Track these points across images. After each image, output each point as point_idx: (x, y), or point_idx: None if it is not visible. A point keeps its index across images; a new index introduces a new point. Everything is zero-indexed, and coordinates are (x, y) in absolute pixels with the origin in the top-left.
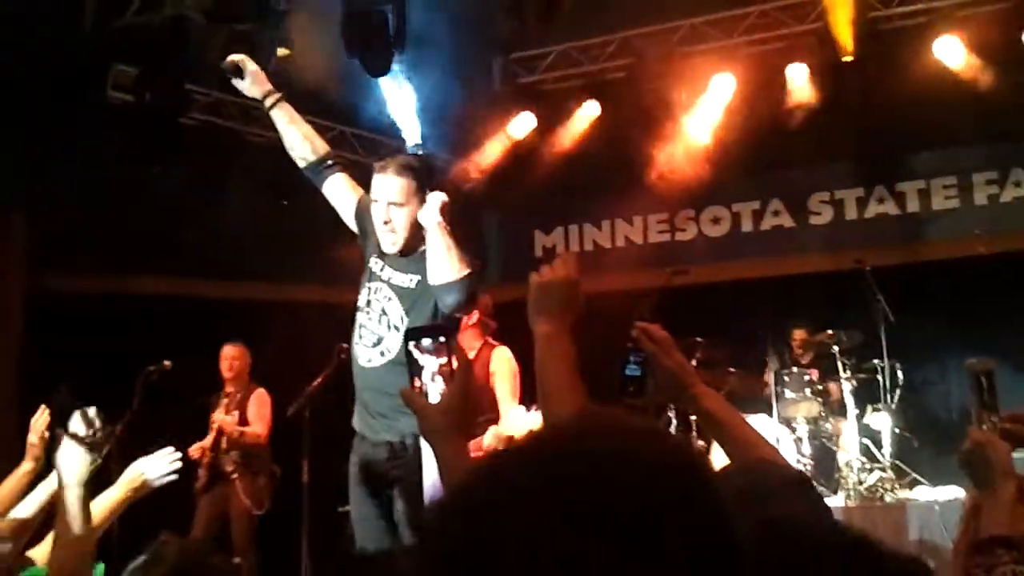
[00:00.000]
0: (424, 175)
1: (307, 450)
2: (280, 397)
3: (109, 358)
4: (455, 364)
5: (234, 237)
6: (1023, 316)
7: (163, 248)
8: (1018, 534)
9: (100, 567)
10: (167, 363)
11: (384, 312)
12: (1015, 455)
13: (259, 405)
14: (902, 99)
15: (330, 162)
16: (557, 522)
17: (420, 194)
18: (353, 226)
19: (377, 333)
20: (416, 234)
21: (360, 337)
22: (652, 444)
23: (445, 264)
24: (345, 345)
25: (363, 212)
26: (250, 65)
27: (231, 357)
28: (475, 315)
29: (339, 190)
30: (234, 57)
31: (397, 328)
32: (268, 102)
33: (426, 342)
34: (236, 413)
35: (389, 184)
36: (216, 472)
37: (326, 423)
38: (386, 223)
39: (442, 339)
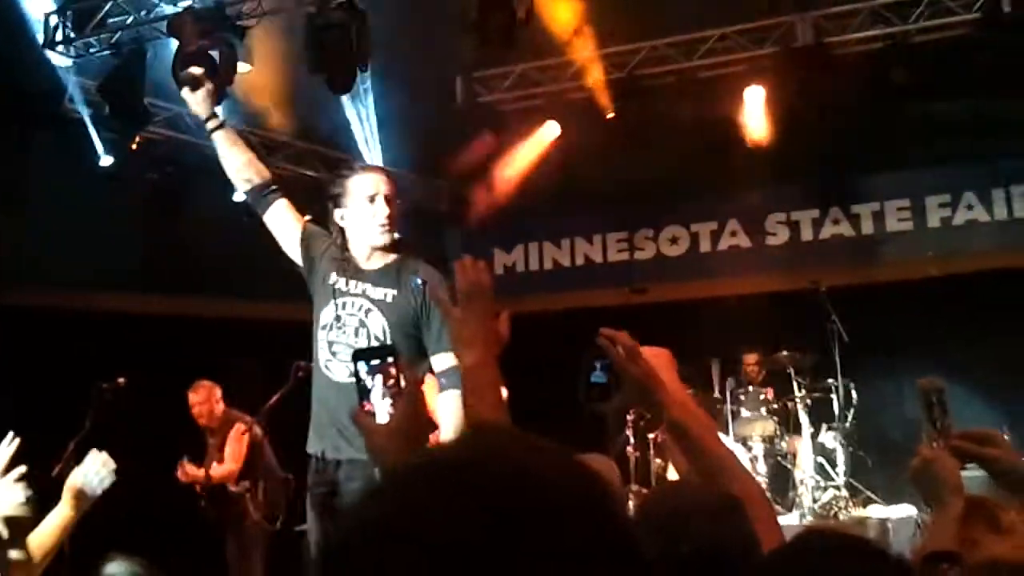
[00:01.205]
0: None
1: (262, 465)
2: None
3: (66, 374)
4: (403, 384)
5: (194, 253)
6: (974, 337)
7: (122, 263)
8: (962, 549)
9: None
10: (121, 380)
11: (363, 324)
12: (964, 473)
13: (234, 443)
14: (857, 123)
15: (273, 187)
16: (451, 536)
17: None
18: (295, 254)
19: (355, 346)
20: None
21: (333, 354)
22: (546, 457)
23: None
24: (303, 363)
25: (310, 238)
26: (207, 84)
27: (195, 404)
28: None
29: (283, 217)
30: (195, 70)
31: (379, 339)
32: (212, 124)
33: (374, 363)
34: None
35: (380, 179)
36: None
37: (282, 442)
38: (387, 217)
39: (390, 359)
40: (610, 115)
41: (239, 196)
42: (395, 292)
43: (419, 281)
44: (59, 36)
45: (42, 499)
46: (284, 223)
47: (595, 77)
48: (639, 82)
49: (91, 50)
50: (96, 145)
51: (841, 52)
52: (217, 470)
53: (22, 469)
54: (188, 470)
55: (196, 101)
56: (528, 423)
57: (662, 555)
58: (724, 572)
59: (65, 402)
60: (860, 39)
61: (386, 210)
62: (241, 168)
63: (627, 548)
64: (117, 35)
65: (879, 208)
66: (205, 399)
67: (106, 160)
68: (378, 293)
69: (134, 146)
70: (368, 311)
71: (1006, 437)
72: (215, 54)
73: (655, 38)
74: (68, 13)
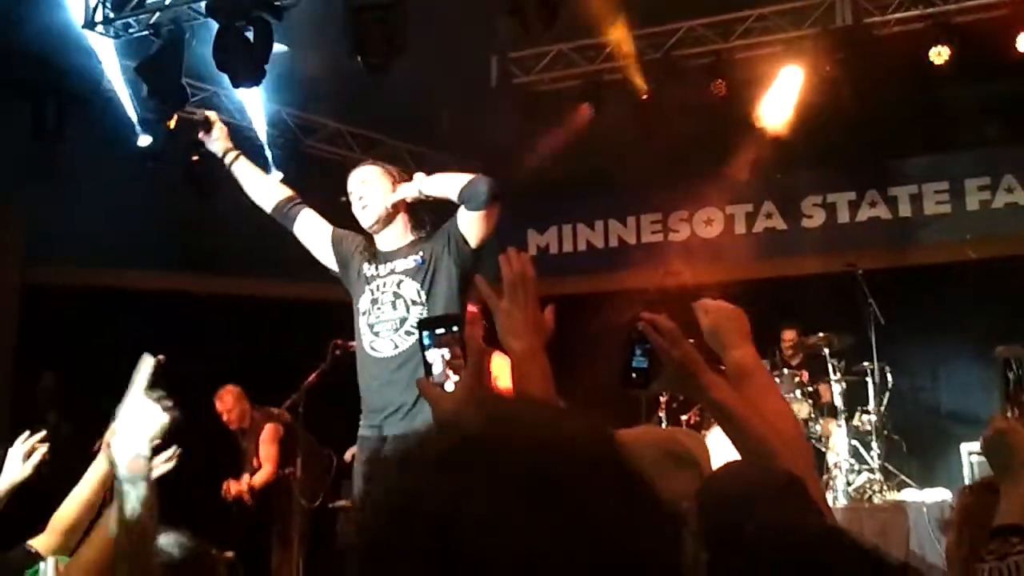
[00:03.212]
0: (389, 167)
1: (301, 446)
2: (271, 393)
3: (101, 351)
4: (468, 352)
5: (226, 233)
6: (1012, 321)
7: (158, 242)
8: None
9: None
10: (160, 357)
11: (397, 296)
12: None
13: (267, 444)
14: (895, 104)
15: (296, 201)
16: (482, 492)
17: (391, 178)
18: (330, 260)
19: (396, 317)
20: (392, 215)
21: (376, 335)
22: (571, 422)
23: (453, 181)
24: (340, 341)
25: (340, 241)
26: (220, 124)
27: (223, 411)
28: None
29: (310, 224)
30: (209, 113)
31: (416, 303)
32: (229, 158)
33: (439, 331)
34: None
35: (358, 173)
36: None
37: (320, 420)
38: (360, 199)
39: (455, 328)
40: (645, 96)
41: (268, 208)
42: (422, 254)
43: (421, 259)
44: (98, 16)
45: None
46: (313, 231)
47: (631, 58)
48: (675, 63)
49: (130, 30)
50: (134, 125)
51: (880, 33)
52: (258, 478)
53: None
54: (232, 487)
55: (211, 140)
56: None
57: (726, 535)
58: (789, 550)
59: (103, 379)
60: (900, 19)
61: (357, 194)
62: (264, 190)
63: (651, 507)
64: (156, 16)
65: (917, 191)
66: (232, 405)
67: (143, 140)
68: (405, 264)
69: (171, 125)
70: (400, 282)
71: None
72: (250, 35)
73: (692, 18)
74: None
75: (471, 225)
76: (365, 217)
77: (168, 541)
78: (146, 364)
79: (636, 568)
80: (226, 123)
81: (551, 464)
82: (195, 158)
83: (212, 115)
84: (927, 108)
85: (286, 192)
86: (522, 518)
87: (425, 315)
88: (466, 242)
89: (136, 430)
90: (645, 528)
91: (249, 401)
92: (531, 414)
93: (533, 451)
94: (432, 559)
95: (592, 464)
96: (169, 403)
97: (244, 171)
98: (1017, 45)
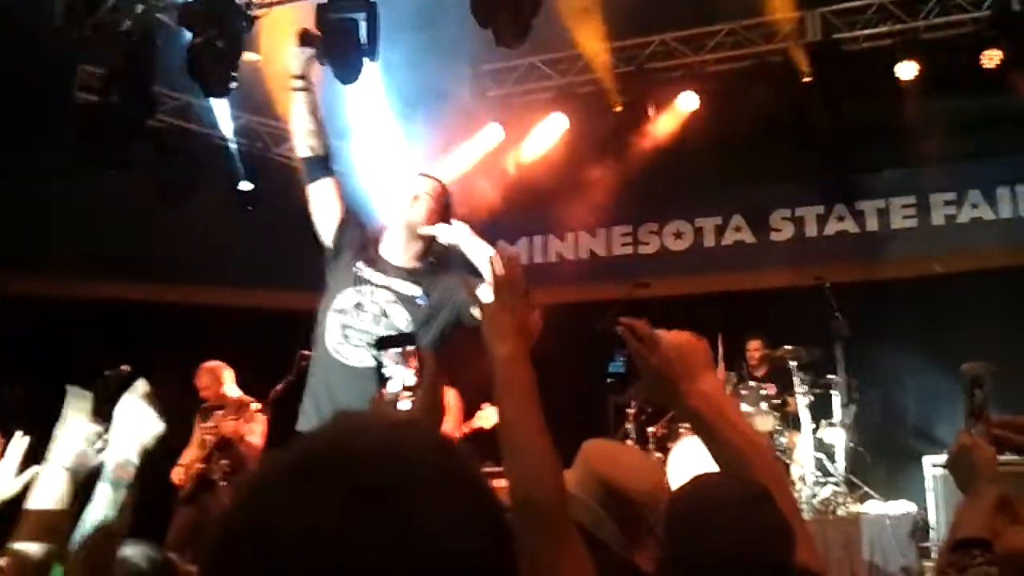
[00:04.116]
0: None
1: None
2: None
3: (71, 362)
4: (424, 373)
5: (193, 242)
6: (977, 335)
7: (127, 252)
8: (993, 537)
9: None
10: (125, 368)
11: (384, 314)
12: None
13: (257, 421)
14: (863, 119)
15: (332, 166)
16: (308, 522)
17: (442, 207)
18: (327, 232)
19: (374, 333)
20: (421, 241)
21: (346, 338)
22: (405, 434)
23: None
24: (307, 352)
25: (348, 225)
26: (316, 50)
27: (201, 383)
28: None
29: (328, 194)
30: (313, 30)
31: (399, 331)
32: (299, 83)
33: (395, 351)
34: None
35: (431, 182)
36: (203, 481)
37: (286, 430)
38: (417, 199)
39: (411, 348)
40: (617, 108)
41: (302, 152)
42: (424, 295)
43: (425, 298)
44: (69, 24)
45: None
46: (327, 199)
47: (603, 71)
48: (647, 76)
49: (100, 38)
50: (105, 133)
51: (850, 48)
52: (251, 439)
53: None
54: (230, 429)
55: (298, 56)
56: None
57: (693, 549)
58: (755, 562)
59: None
60: (869, 35)
61: (424, 207)
62: (309, 134)
63: (488, 519)
64: (127, 23)
65: (884, 205)
66: (209, 381)
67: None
68: (406, 289)
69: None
70: (392, 303)
71: None
72: (220, 44)
73: (664, 32)
74: (79, 1)
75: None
76: (406, 216)
77: (134, 552)
78: (74, 395)
79: (464, 572)
80: (194, 132)
81: (380, 473)
82: (167, 168)
83: (318, 32)
84: (895, 123)
85: (329, 149)
86: (340, 524)
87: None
88: (473, 317)
89: (129, 435)
90: (476, 533)
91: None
92: (372, 427)
93: (364, 461)
94: (254, 571)
95: (423, 472)
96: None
97: (305, 104)
98: (982, 62)
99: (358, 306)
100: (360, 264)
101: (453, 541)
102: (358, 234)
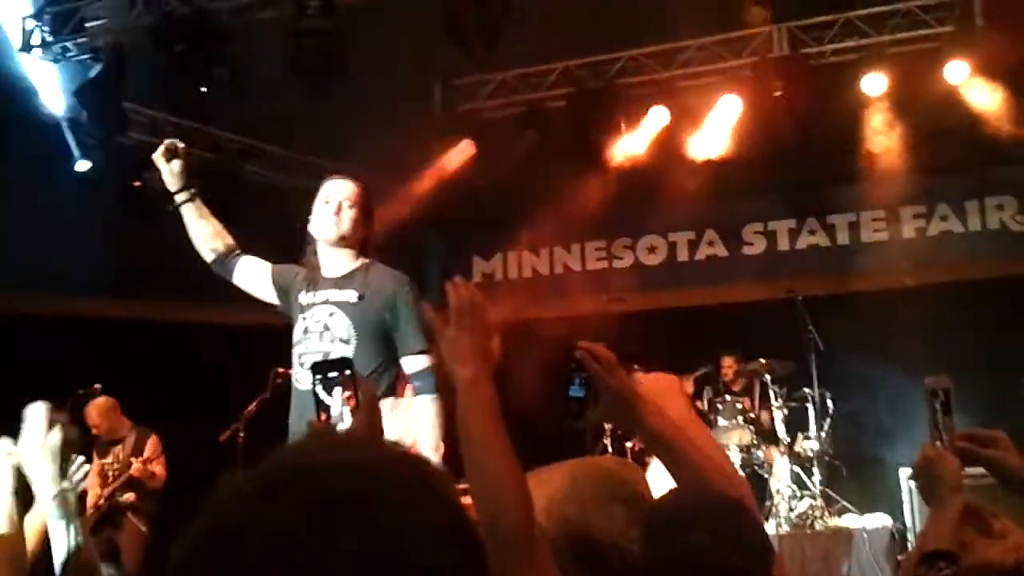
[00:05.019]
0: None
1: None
2: (214, 421)
3: (43, 380)
4: (360, 398)
5: (165, 258)
6: (948, 347)
7: (96, 268)
8: (962, 549)
9: None
10: (97, 386)
11: (327, 328)
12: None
13: (154, 450)
14: (832, 133)
15: (236, 251)
16: (272, 532)
17: (368, 210)
18: (271, 296)
19: (321, 350)
20: (353, 242)
21: (301, 365)
22: (372, 450)
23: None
24: (281, 370)
25: (279, 276)
26: (182, 158)
27: (92, 425)
28: None
29: (250, 268)
30: (177, 142)
31: (344, 341)
32: (182, 197)
33: (332, 375)
34: (133, 458)
35: (346, 186)
36: (109, 518)
37: (260, 449)
38: (336, 214)
39: (347, 372)
40: (590, 124)
41: (208, 258)
42: (359, 294)
43: (358, 296)
44: (36, 39)
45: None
46: (252, 276)
47: (574, 86)
48: (617, 92)
49: (68, 54)
50: (72, 149)
51: (817, 63)
52: (150, 469)
53: None
54: (136, 470)
55: (170, 172)
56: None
57: (671, 560)
58: (731, 570)
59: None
60: (835, 50)
61: (335, 208)
62: (208, 239)
63: (457, 529)
64: (95, 40)
65: (855, 218)
66: (102, 415)
67: (82, 164)
68: (341, 295)
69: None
70: (331, 314)
71: None
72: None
73: (633, 47)
74: (45, 16)
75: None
76: (329, 228)
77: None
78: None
79: None
80: (186, 153)
81: (347, 484)
82: (136, 184)
83: (180, 145)
84: (863, 136)
85: (228, 242)
86: (308, 533)
87: (350, 355)
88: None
89: (42, 466)
90: (445, 542)
91: (127, 416)
92: (338, 443)
93: (331, 473)
94: None
95: (391, 484)
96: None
97: (194, 214)
98: (945, 75)
99: (305, 331)
100: (301, 294)
101: (421, 550)
102: (291, 273)
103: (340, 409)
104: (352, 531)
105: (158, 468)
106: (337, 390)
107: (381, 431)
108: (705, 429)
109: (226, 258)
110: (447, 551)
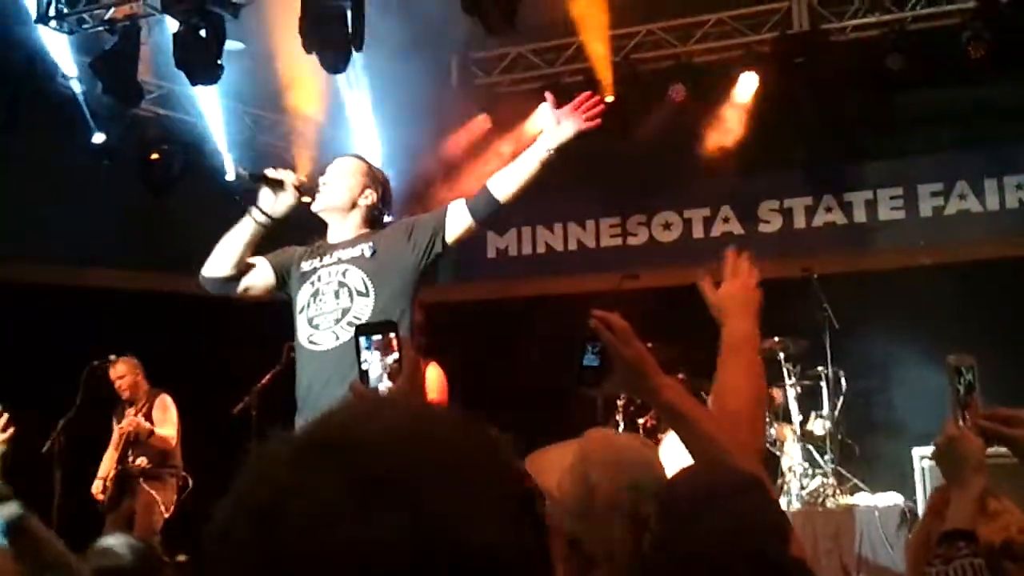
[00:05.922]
0: (376, 170)
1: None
2: (222, 394)
3: (58, 352)
4: (404, 360)
5: (181, 231)
6: (965, 326)
7: (112, 240)
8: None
9: None
10: (112, 357)
11: (342, 284)
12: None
13: (163, 410)
14: (851, 110)
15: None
16: (313, 508)
17: (368, 179)
18: (279, 285)
19: (339, 308)
20: (350, 208)
21: (316, 328)
22: (427, 421)
23: (513, 185)
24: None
25: (276, 258)
26: (291, 190)
27: (117, 377)
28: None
29: (249, 279)
30: (283, 176)
31: (362, 293)
32: (261, 220)
33: (376, 337)
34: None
35: (338, 160)
36: (123, 484)
37: (273, 422)
38: (325, 184)
39: (391, 335)
40: (608, 98)
41: (221, 273)
42: (373, 249)
43: (373, 249)
44: (52, 11)
45: (33, 475)
46: (253, 279)
47: (592, 61)
48: (635, 66)
49: (84, 26)
50: (88, 122)
51: (837, 39)
52: (158, 431)
53: None
54: (133, 424)
55: (271, 201)
56: (518, 408)
57: (685, 538)
58: (749, 549)
59: (57, 380)
60: (856, 26)
61: (323, 183)
62: (236, 260)
63: (514, 506)
64: (111, 11)
65: (872, 196)
66: (127, 371)
67: (98, 137)
68: (353, 252)
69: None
70: (345, 271)
71: None
72: (205, 32)
73: (652, 22)
74: None
75: (461, 226)
76: (320, 199)
77: (116, 542)
78: None
79: (489, 560)
80: (177, 121)
81: (393, 456)
82: (154, 156)
83: (291, 178)
84: (882, 114)
85: (243, 272)
86: (349, 508)
87: (370, 306)
88: (444, 238)
89: None
90: (499, 520)
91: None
92: (385, 411)
93: (376, 444)
94: (258, 555)
95: (440, 457)
96: None
97: (250, 235)
98: (969, 53)
99: (315, 295)
100: (304, 263)
101: (474, 528)
102: (289, 251)
103: (380, 372)
104: (398, 506)
105: (168, 430)
106: (376, 353)
107: (424, 395)
108: (755, 359)
109: (227, 283)
110: (504, 529)
